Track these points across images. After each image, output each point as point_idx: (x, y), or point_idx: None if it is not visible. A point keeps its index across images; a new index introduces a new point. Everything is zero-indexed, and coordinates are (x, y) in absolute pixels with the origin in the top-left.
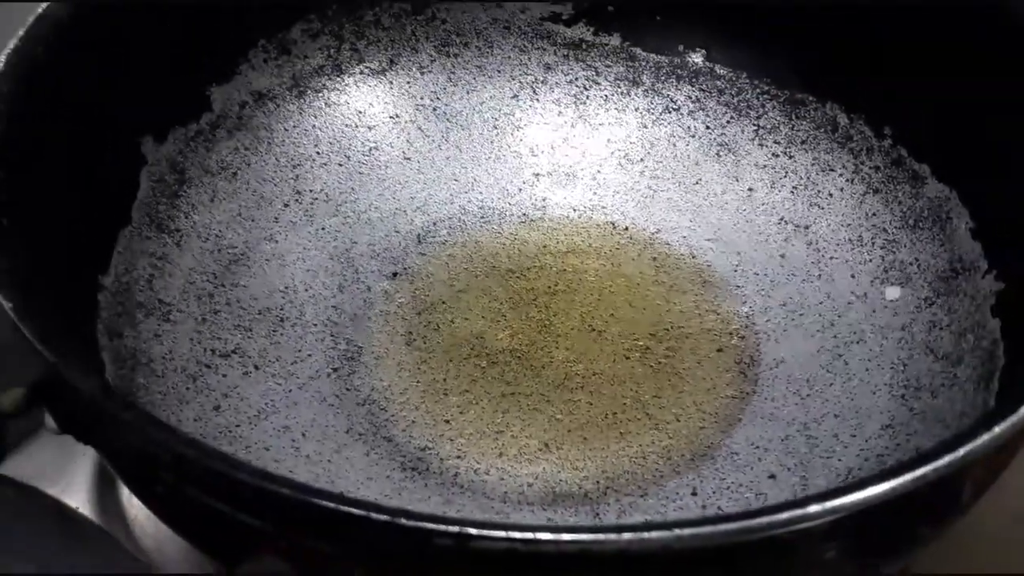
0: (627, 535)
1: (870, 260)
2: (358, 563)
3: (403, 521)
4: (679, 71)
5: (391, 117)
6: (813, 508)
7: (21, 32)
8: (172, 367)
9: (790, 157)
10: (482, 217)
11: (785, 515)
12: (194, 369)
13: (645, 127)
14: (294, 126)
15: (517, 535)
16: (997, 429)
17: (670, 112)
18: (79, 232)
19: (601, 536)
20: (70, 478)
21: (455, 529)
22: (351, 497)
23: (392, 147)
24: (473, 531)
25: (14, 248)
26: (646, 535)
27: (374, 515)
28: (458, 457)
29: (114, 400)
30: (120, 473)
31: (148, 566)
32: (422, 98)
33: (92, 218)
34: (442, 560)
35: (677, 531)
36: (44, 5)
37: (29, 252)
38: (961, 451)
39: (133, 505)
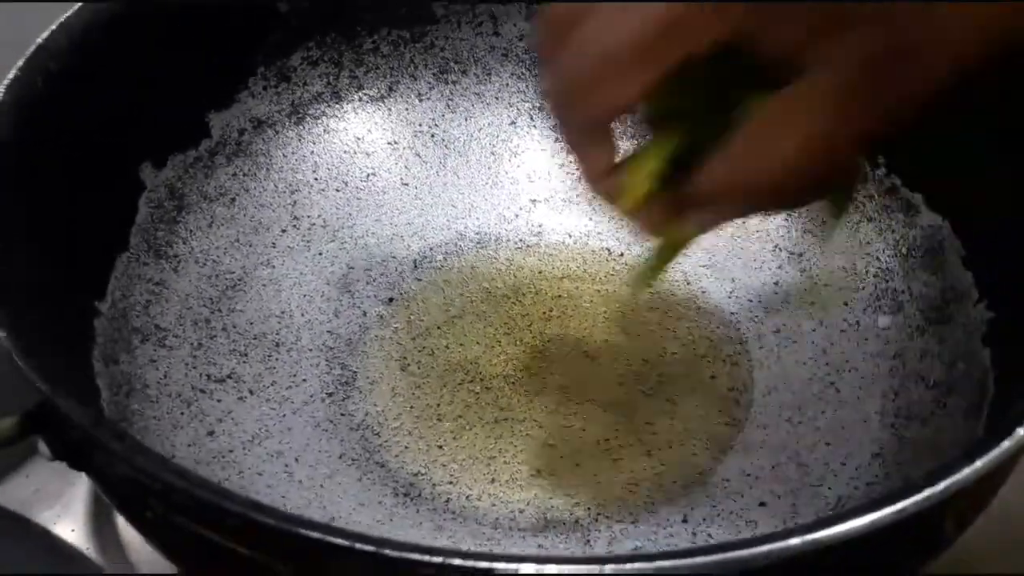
0: (609, 567)
1: (863, 288)
2: None
3: (387, 552)
4: None
5: (389, 143)
6: (794, 541)
7: (21, 62)
8: (167, 392)
9: None
10: (478, 242)
11: (766, 548)
12: (189, 394)
13: None
14: (292, 152)
15: (500, 566)
16: (979, 463)
17: None
18: (76, 258)
19: (583, 568)
20: (67, 501)
21: (438, 560)
22: (337, 527)
23: (390, 173)
24: (456, 562)
25: (9, 275)
26: (628, 566)
27: (359, 545)
28: (450, 483)
29: (105, 429)
30: (112, 500)
31: None
32: (420, 125)
33: (90, 244)
34: None
35: (660, 562)
36: (43, 35)
37: (25, 278)
38: (941, 485)
39: (129, 529)
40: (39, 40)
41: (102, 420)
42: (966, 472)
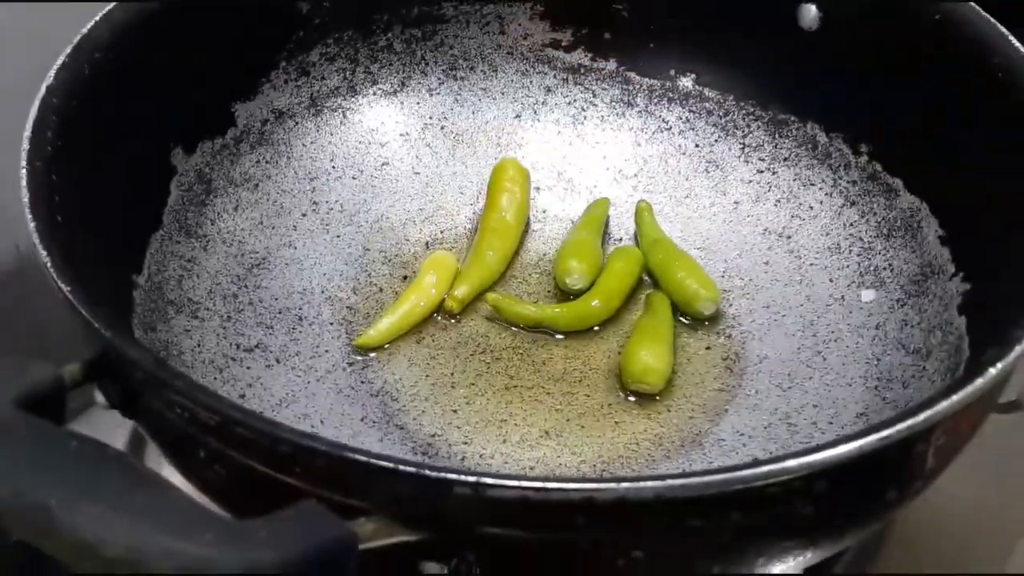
0: (625, 484)
1: (847, 266)
2: (388, 513)
3: (427, 472)
4: (670, 94)
5: (401, 135)
6: (791, 463)
7: (68, 50)
8: (201, 359)
9: (773, 173)
10: None
11: (766, 468)
12: (221, 362)
13: (639, 145)
14: (311, 142)
15: (528, 484)
16: (955, 397)
17: (662, 132)
18: (117, 233)
19: (602, 485)
20: None
21: (473, 479)
22: (383, 454)
23: (402, 162)
24: (489, 480)
25: (67, 242)
26: (642, 484)
27: (402, 468)
28: (465, 443)
29: (167, 369)
30: (163, 443)
31: (204, 507)
32: (430, 117)
33: (128, 221)
34: (462, 507)
35: (670, 481)
36: (87, 26)
37: (77, 248)
38: (922, 415)
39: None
40: (84, 30)
41: (163, 361)
42: (944, 404)
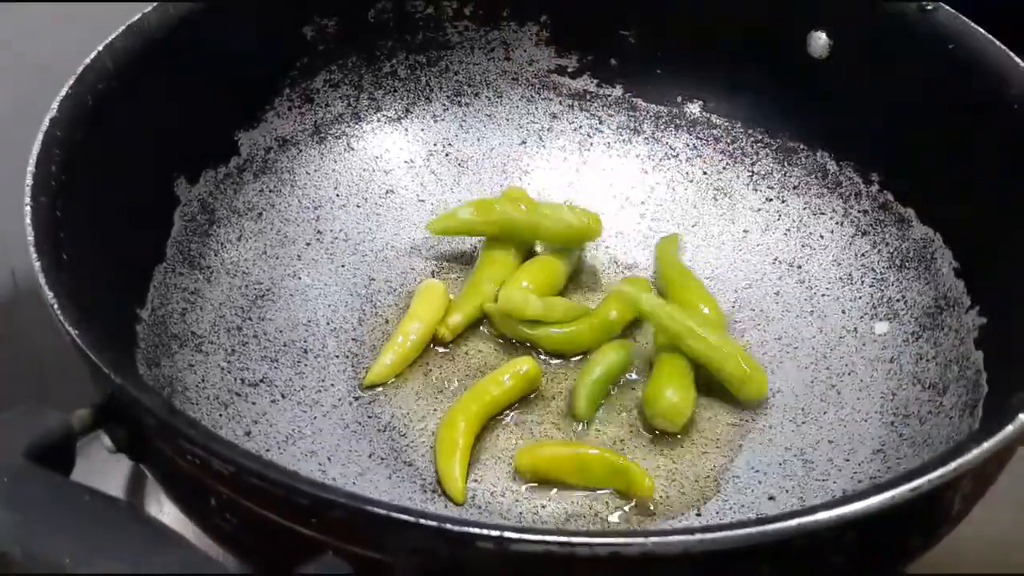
0: (653, 539)
1: (860, 297)
2: (407, 566)
3: (449, 527)
4: (678, 120)
5: (406, 162)
6: (822, 516)
7: (71, 81)
8: (205, 395)
9: (783, 201)
10: None
11: (797, 521)
12: (226, 397)
13: (646, 172)
14: (315, 170)
15: (553, 539)
16: (986, 444)
17: (669, 158)
18: (121, 267)
19: (629, 540)
20: None
21: (496, 533)
22: (402, 506)
23: (407, 190)
24: (513, 535)
25: (72, 280)
26: (670, 539)
27: (423, 521)
28: (475, 480)
29: (180, 416)
30: (172, 489)
31: (223, 566)
32: (435, 144)
33: (132, 254)
34: (485, 561)
35: (699, 536)
36: (89, 57)
37: (83, 285)
38: (953, 464)
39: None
40: (86, 61)
41: (175, 409)
42: (975, 452)
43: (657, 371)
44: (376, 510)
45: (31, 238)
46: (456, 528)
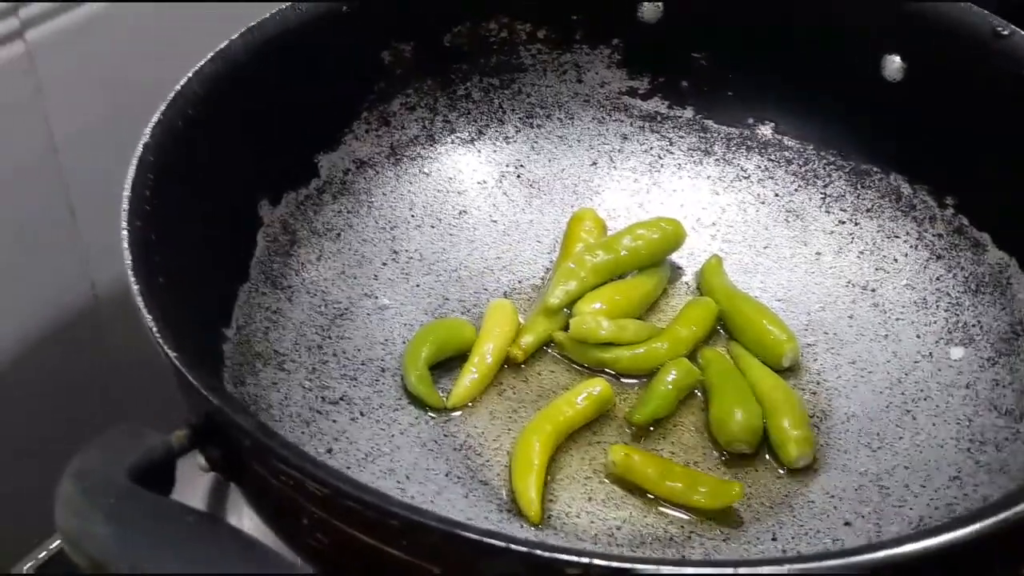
0: (744, 569)
1: (935, 321)
2: None
3: (539, 553)
4: (749, 142)
5: (479, 183)
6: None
7: (163, 107)
8: (288, 413)
9: (856, 224)
10: None
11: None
12: (307, 415)
13: (717, 194)
14: (391, 191)
15: (640, 568)
16: None
17: (740, 180)
18: (208, 288)
19: (719, 570)
20: None
21: (585, 560)
22: (492, 531)
23: (480, 211)
24: (601, 562)
25: (167, 303)
26: (762, 569)
27: (513, 547)
28: (550, 500)
29: (276, 438)
30: (264, 509)
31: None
32: (507, 165)
33: (219, 275)
34: None
35: (796, 566)
36: (180, 83)
37: (175, 307)
38: None
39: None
40: (177, 87)
41: (271, 431)
42: None
43: (720, 390)
44: (467, 535)
45: (128, 262)
46: (545, 554)
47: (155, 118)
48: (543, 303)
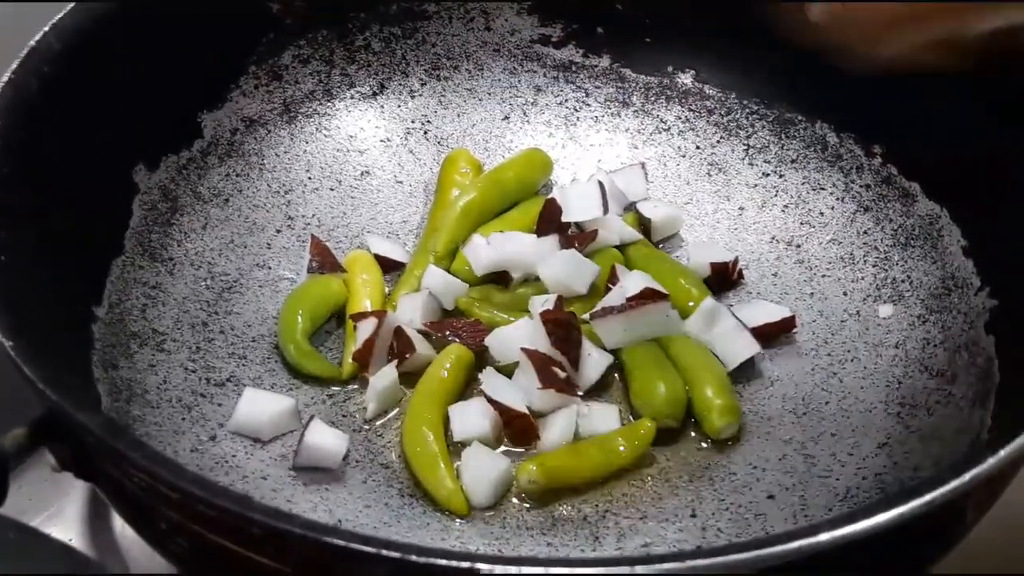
0: (640, 568)
1: (862, 278)
2: None
3: (412, 558)
4: (668, 91)
5: (382, 141)
6: (824, 536)
7: (15, 65)
8: (167, 397)
9: (780, 176)
10: None
11: (795, 544)
12: (189, 399)
13: (636, 147)
14: (285, 152)
15: (527, 570)
16: (1002, 452)
17: (660, 132)
18: (73, 263)
19: (609, 570)
20: (60, 509)
21: (466, 565)
22: (363, 534)
23: (384, 171)
24: (483, 567)
25: (11, 285)
26: (654, 567)
27: (384, 552)
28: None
29: (122, 438)
30: (122, 511)
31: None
32: (413, 121)
33: (85, 249)
34: None
35: (691, 562)
36: (35, 38)
37: (25, 287)
38: (967, 476)
39: (126, 536)
40: (31, 43)
41: (118, 429)
42: (990, 463)
43: (640, 364)
44: (335, 541)
45: None
46: (421, 559)
47: (4, 77)
48: (420, 254)
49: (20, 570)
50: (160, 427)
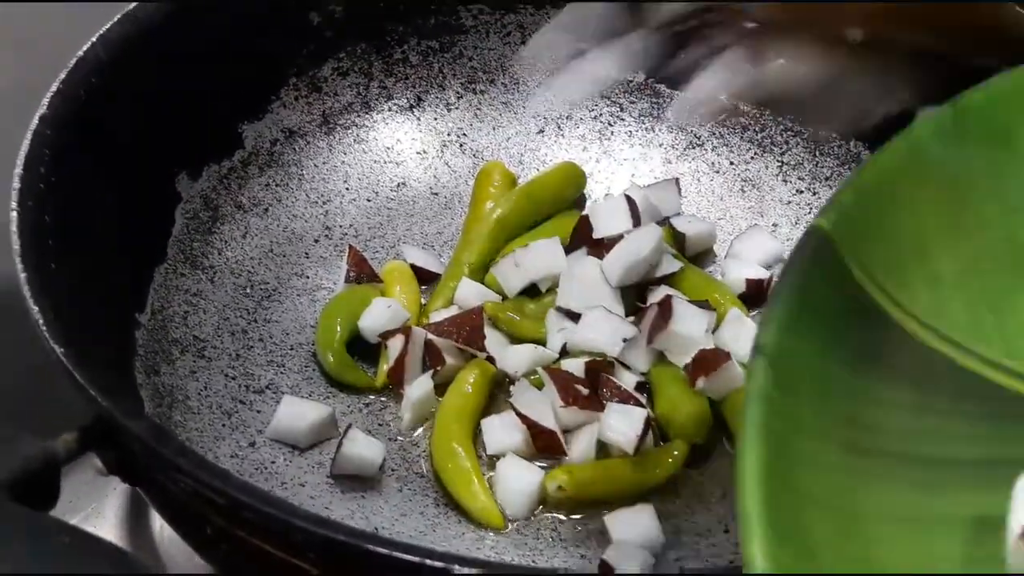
0: None
1: None
2: None
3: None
4: (703, 107)
5: (418, 153)
6: None
7: (63, 75)
8: (208, 404)
9: (814, 193)
10: None
11: None
12: (229, 406)
13: (669, 162)
14: (324, 162)
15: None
16: None
17: (694, 148)
18: (117, 271)
19: None
20: (99, 509)
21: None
22: (405, 543)
23: (419, 182)
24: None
25: (61, 292)
26: None
27: (428, 562)
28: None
29: (170, 444)
30: (167, 514)
31: None
32: (449, 134)
33: (129, 256)
34: None
35: None
36: (82, 49)
37: (72, 294)
38: None
39: (164, 537)
40: (79, 53)
41: (165, 435)
42: None
43: (664, 383)
44: (378, 549)
45: (16, 248)
46: (464, 570)
47: (53, 87)
48: (453, 267)
49: (75, 571)
50: (201, 432)
